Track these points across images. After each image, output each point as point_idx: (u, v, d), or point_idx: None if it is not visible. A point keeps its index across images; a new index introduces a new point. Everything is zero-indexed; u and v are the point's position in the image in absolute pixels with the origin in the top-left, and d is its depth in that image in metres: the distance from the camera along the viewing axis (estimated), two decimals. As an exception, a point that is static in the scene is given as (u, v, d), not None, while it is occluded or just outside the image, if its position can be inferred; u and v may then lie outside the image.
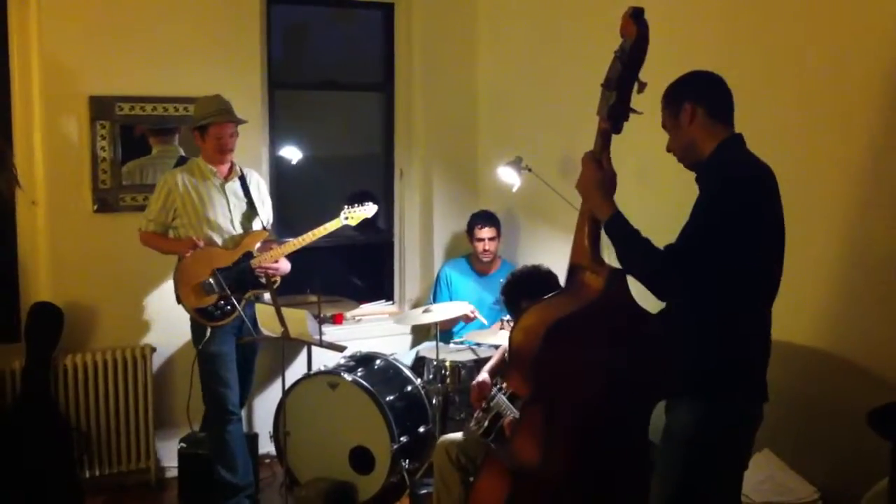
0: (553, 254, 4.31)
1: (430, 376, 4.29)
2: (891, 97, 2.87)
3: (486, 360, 3.96)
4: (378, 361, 4.37)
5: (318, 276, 4.04)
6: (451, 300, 4.76)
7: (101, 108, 4.27)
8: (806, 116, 3.18)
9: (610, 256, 2.43)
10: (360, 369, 4.20)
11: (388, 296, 5.35)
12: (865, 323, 2.98)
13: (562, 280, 2.74)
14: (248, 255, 3.94)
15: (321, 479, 4.08)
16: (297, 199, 5.11)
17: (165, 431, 4.46)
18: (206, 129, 3.87)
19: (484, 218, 4.75)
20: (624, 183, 2.50)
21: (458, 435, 3.60)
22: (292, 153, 5.01)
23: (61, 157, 4.26)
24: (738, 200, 2.30)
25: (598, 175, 2.44)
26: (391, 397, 4.09)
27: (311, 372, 4.23)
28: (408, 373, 4.34)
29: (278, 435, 4.07)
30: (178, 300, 3.94)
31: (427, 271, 5.21)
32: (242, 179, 4.02)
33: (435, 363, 4.22)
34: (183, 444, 4.17)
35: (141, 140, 4.45)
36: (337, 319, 4.98)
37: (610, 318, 2.41)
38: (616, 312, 2.41)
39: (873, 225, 2.96)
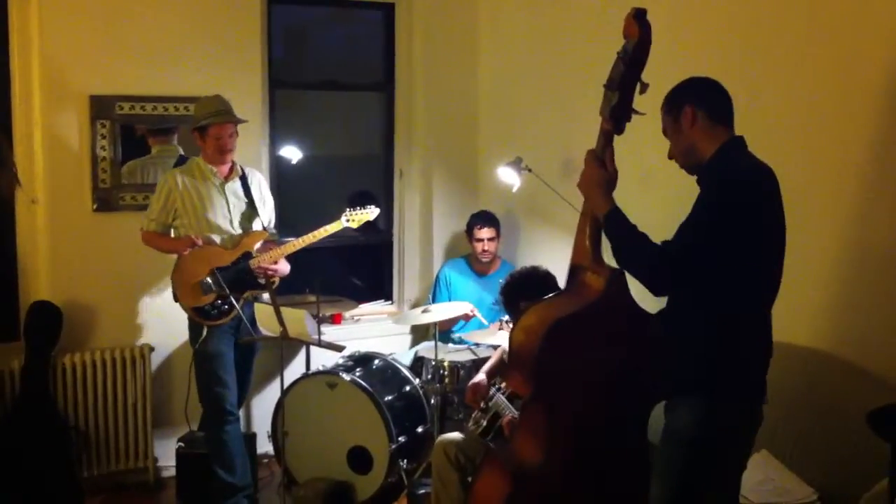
0: (553, 254, 4.31)
1: (429, 376, 4.29)
2: (892, 98, 2.87)
3: (485, 360, 3.97)
4: (377, 361, 4.37)
5: (318, 276, 4.04)
6: (450, 300, 4.76)
7: (101, 107, 4.27)
8: (807, 118, 3.18)
9: (611, 257, 2.44)
10: (358, 369, 4.20)
11: (387, 296, 5.35)
12: (865, 324, 2.99)
13: (561, 281, 2.74)
14: (247, 256, 3.94)
15: (319, 478, 4.08)
16: (296, 198, 5.11)
17: (164, 431, 4.46)
18: (206, 129, 3.87)
19: (483, 218, 4.75)
20: (626, 185, 2.50)
21: (457, 435, 3.60)
22: (292, 153, 5.01)
23: (61, 156, 4.26)
24: (737, 202, 2.31)
25: (601, 173, 2.44)
26: (390, 397, 4.10)
27: (310, 372, 4.23)
28: (406, 373, 4.34)
29: (276, 435, 4.07)
30: (175, 298, 3.94)
31: (426, 271, 5.21)
32: (243, 179, 4.01)
33: (433, 363, 4.22)
34: (181, 444, 4.16)
35: (141, 139, 4.45)
36: (336, 319, 4.98)
37: (610, 318, 2.42)
38: (616, 313, 2.42)
39: (874, 226, 2.96)
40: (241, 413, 4.24)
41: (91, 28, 4.25)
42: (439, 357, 4.20)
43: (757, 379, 2.44)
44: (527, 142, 4.70)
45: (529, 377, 2.45)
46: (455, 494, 3.44)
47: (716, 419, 2.37)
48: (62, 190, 4.28)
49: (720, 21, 3.55)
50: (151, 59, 4.36)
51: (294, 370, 4.48)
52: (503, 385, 3.59)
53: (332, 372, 4.14)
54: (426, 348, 4.54)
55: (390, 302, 5.33)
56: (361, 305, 5.08)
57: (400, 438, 3.99)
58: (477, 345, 4.37)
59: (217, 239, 3.94)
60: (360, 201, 4.17)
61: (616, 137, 2.44)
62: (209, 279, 3.85)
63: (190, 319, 3.96)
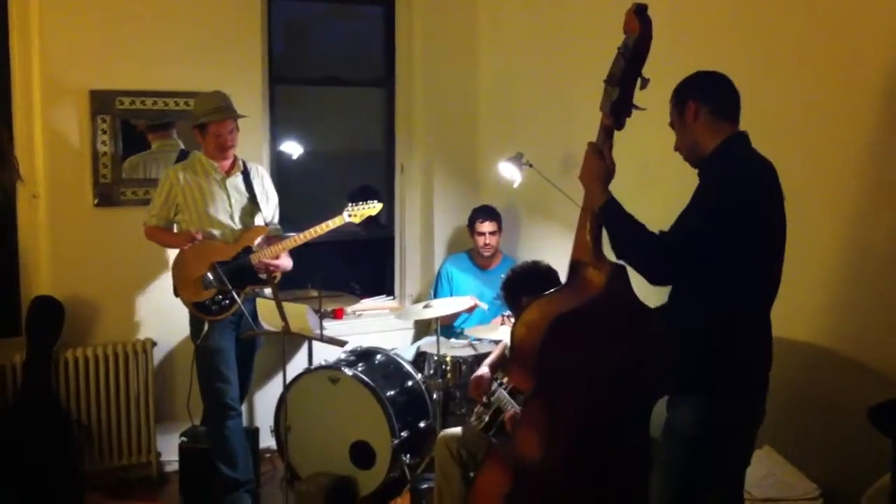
0: (554, 249, 4.30)
1: (431, 371, 4.30)
2: (892, 98, 2.86)
3: (486, 355, 3.97)
4: (379, 356, 4.38)
5: (320, 271, 4.04)
6: (451, 295, 4.76)
7: (101, 102, 4.28)
8: (807, 118, 3.17)
9: (611, 253, 2.44)
10: (360, 364, 4.21)
11: (388, 291, 5.35)
12: (865, 320, 2.98)
13: (563, 276, 2.74)
14: (248, 250, 3.93)
15: (322, 473, 4.08)
16: (297, 194, 5.10)
17: (166, 425, 4.47)
18: (206, 127, 3.86)
19: (485, 212, 4.75)
20: (626, 180, 2.50)
21: (459, 430, 3.60)
22: (293, 148, 5.01)
23: (62, 151, 4.26)
24: (734, 198, 2.31)
25: (601, 165, 2.45)
26: (392, 392, 4.10)
27: (312, 367, 4.23)
28: (408, 368, 4.34)
29: (279, 429, 4.07)
30: (176, 293, 3.95)
31: (428, 266, 5.21)
32: (245, 174, 4.01)
33: (436, 358, 4.23)
34: (184, 439, 4.17)
35: (142, 135, 4.44)
36: (338, 314, 4.99)
37: (611, 314, 2.42)
38: (618, 308, 2.41)
39: (873, 226, 2.95)
40: (244, 408, 4.24)
41: (91, 23, 4.25)
42: (441, 352, 4.21)
43: (758, 378, 2.44)
44: (527, 137, 4.69)
45: (531, 372, 2.46)
46: (457, 489, 3.44)
47: (717, 418, 2.37)
48: (63, 185, 4.28)
49: (721, 16, 3.53)
50: (152, 53, 4.36)
51: (296, 365, 4.49)
52: (505, 380, 3.59)
53: (334, 367, 4.15)
54: (428, 343, 4.54)
55: (392, 297, 5.33)
56: (363, 300, 5.08)
57: (402, 433, 3.99)
58: (479, 340, 4.38)
59: (218, 234, 3.94)
60: (362, 196, 4.16)
61: (616, 133, 2.44)
62: (210, 274, 3.85)
63: (191, 315, 3.96)
